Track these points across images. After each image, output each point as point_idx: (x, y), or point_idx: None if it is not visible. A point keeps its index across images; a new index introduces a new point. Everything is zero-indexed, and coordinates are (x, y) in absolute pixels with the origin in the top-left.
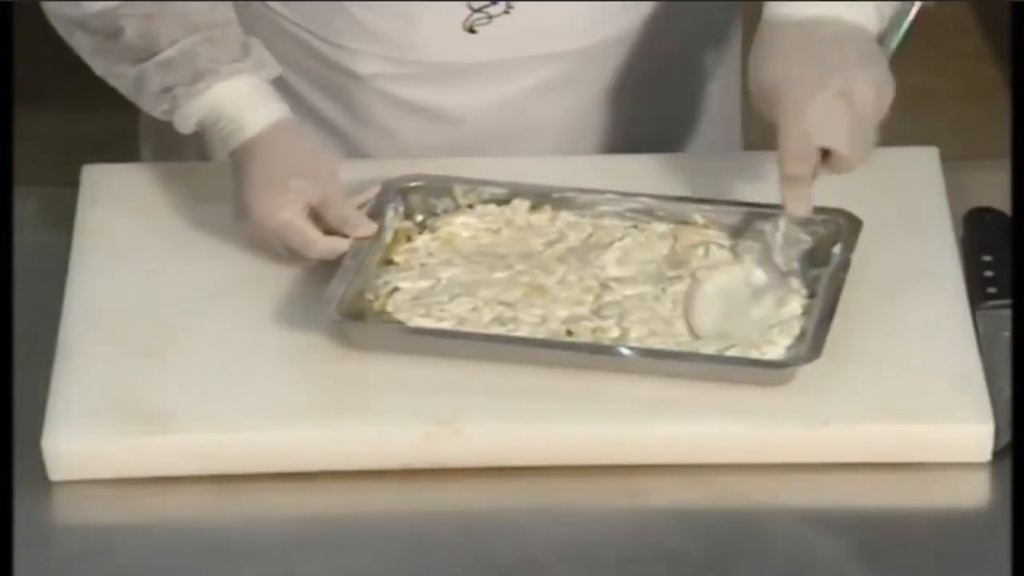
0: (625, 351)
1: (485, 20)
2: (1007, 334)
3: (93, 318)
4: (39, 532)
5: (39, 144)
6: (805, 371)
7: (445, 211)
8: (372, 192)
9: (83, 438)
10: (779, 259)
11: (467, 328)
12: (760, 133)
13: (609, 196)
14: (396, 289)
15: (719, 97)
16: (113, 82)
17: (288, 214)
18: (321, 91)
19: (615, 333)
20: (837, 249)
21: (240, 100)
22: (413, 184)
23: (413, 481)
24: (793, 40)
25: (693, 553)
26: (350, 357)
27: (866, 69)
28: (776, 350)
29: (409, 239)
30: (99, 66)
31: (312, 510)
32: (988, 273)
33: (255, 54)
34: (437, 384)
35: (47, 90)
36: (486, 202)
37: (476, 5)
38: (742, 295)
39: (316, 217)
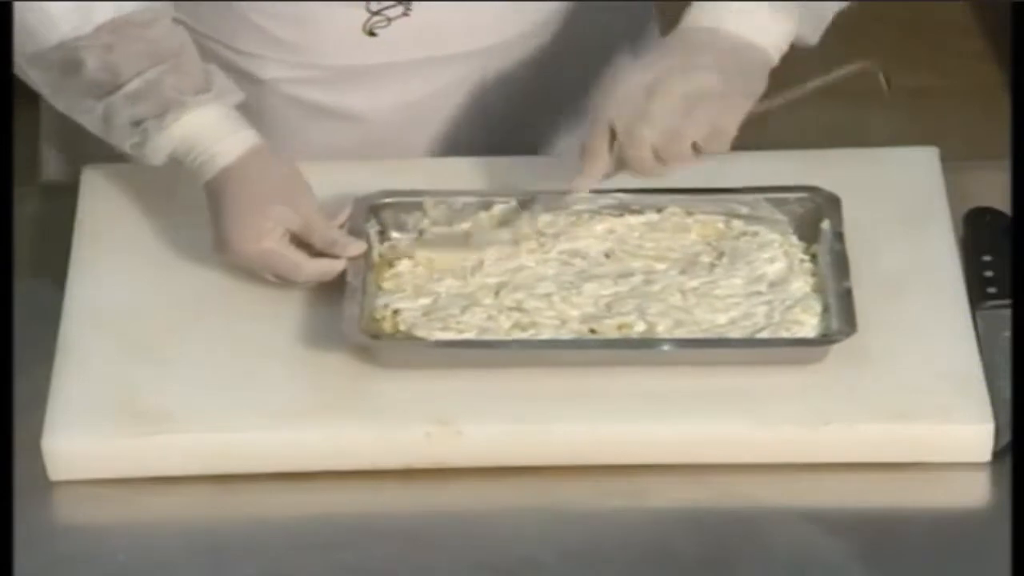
0: (666, 345)
1: (384, 23)
2: (1007, 334)
3: (93, 318)
4: (39, 532)
5: (39, 144)
6: (806, 371)
7: (416, 226)
8: (346, 213)
9: (83, 438)
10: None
11: (490, 337)
12: None
13: (582, 194)
14: (396, 311)
15: None
16: (78, 118)
17: (269, 242)
18: None
19: (641, 327)
20: (825, 225)
21: (209, 130)
22: (385, 201)
23: (413, 481)
24: (666, 42)
25: (693, 553)
26: (350, 357)
27: (705, 75)
28: (805, 329)
29: (391, 265)
30: (62, 103)
31: (312, 510)
32: (988, 273)
33: (217, 83)
34: (437, 384)
35: None
36: (457, 213)
37: (374, 7)
38: None
39: (300, 244)
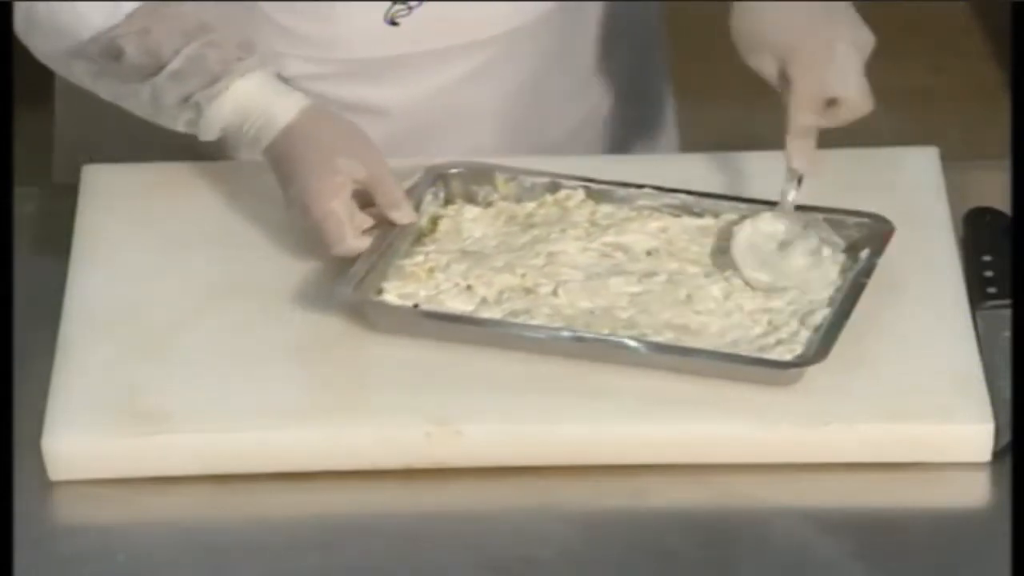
0: (633, 344)
1: (405, 12)
2: (1007, 334)
3: (93, 318)
4: (39, 532)
5: (39, 144)
6: (805, 371)
7: (485, 199)
8: (414, 180)
9: (83, 438)
10: (791, 215)
11: (484, 315)
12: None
13: (647, 191)
14: (431, 269)
15: (649, 76)
16: (124, 104)
17: (336, 203)
18: None
19: (634, 329)
20: (864, 253)
21: (262, 94)
22: (454, 171)
23: (413, 481)
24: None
25: (693, 553)
26: (350, 357)
27: (857, 20)
28: (789, 350)
29: (436, 225)
30: (106, 90)
31: (312, 510)
32: (988, 273)
33: (258, 50)
34: (437, 384)
35: (47, 90)
36: (526, 191)
37: None
38: (769, 247)
39: (361, 199)
